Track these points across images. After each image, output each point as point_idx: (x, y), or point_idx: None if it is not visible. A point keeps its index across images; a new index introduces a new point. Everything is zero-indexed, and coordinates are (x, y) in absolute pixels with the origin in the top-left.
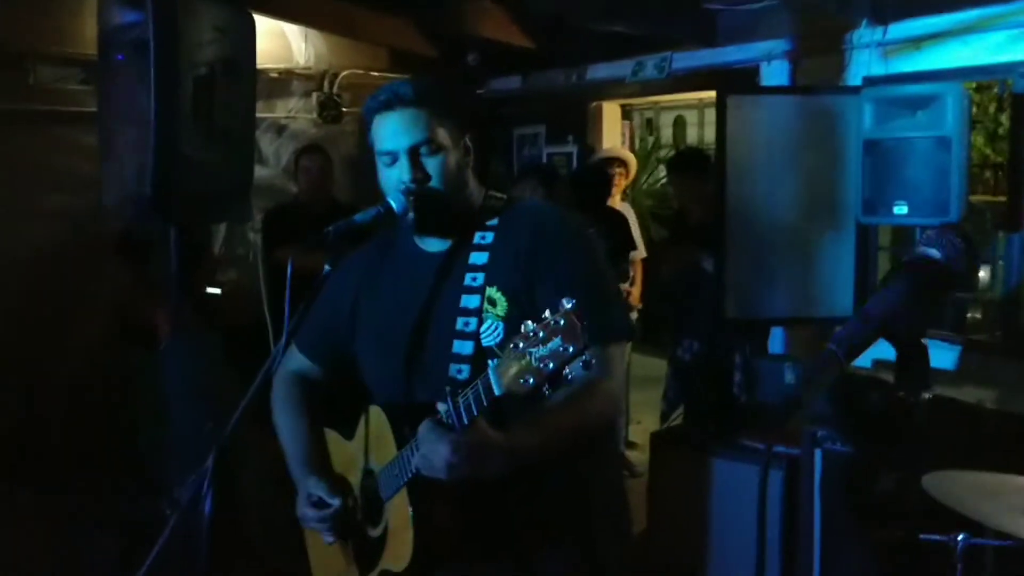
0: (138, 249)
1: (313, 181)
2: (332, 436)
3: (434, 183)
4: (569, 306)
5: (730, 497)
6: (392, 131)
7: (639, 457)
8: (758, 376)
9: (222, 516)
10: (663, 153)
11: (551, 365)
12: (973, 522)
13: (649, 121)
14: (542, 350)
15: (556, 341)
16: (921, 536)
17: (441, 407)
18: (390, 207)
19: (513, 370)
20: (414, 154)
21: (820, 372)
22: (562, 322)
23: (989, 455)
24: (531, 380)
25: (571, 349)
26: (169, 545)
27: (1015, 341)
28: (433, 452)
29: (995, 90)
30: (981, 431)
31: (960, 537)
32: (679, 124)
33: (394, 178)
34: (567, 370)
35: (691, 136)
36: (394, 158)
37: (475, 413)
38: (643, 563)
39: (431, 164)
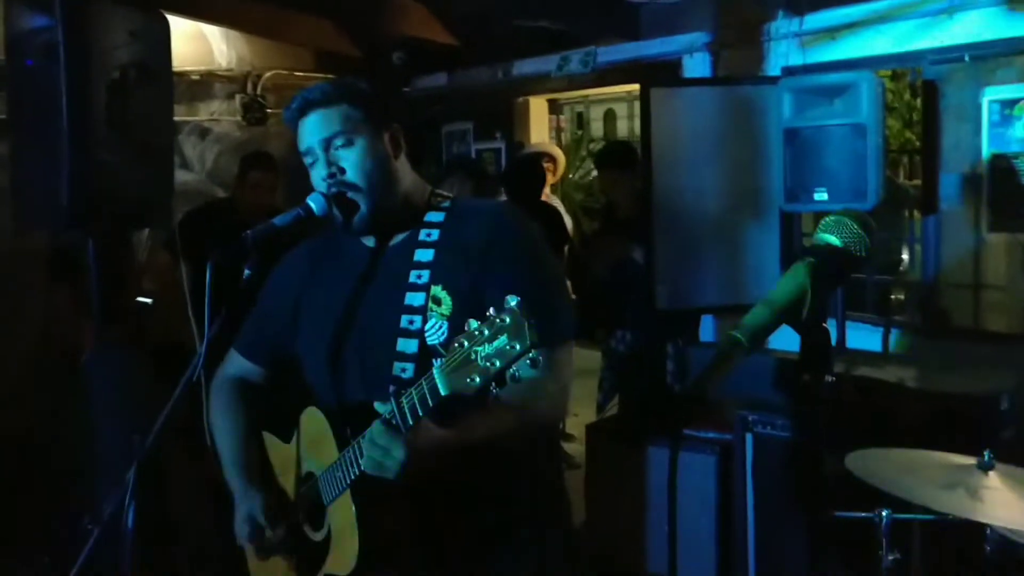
0: (70, 264)
1: (260, 197)
2: (270, 439)
3: (351, 176)
4: (514, 304)
5: (666, 484)
6: (308, 131)
7: (576, 449)
8: (690, 364)
9: (146, 530)
10: (593, 146)
11: (497, 364)
12: (899, 499)
13: (579, 115)
14: (487, 348)
15: (502, 339)
16: (843, 514)
17: (383, 408)
18: (309, 208)
19: (459, 370)
20: (328, 148)
21: (724, 359)
22: (507, 320)
23: (910, 433)
24: (477, 379)
25: (517, 347)
26: (93, 561)
27: (934, 322)
28: (383, 454)
29: (908, 78)
30: (903, 410)
31: (884, 513)
32: (609, 117)
33: (318, 176)
34: (513, 369)
35: (622, 128)
36: (314, 157)
37: (420, 414)
38: (584, 554)
39: (347, 156)
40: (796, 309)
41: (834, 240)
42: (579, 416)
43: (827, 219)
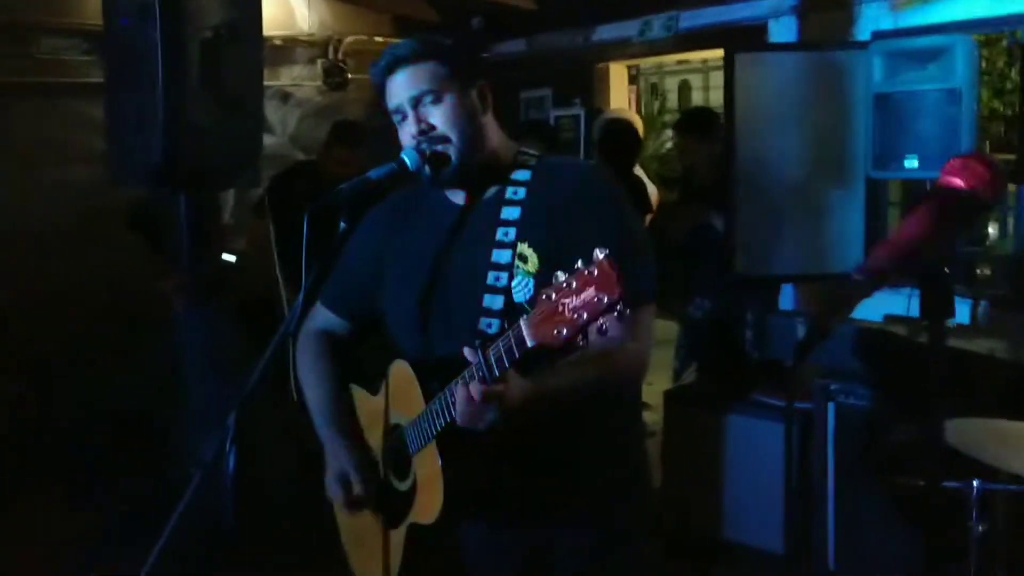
0: (150, 221)
1: (345, 172)
2: (358, 391)
3: (442, 130)
4: (603, 256)
5: (745, 453)
6: (396, 89)
7: (651, 417)
8: (769, 332)
9: (245, 474)
10: (668, 117)
11: (585, 315)
12: (985, 470)
13: (654, 86)
14: (575, 300)
15: (590, 291)
16: (935, 483)
17: (472, 358)
18: (404, 163)
19: (546, 321)
20: (417, 105)
21: (847, 299)
22: (596, 272)
23: (1001, 405)
24: (564, 331)
25: (605, 299)
26: (194, 503)
27: None
28: (470, 405)
29: (1004, 43)
30: (993, 382)
31: (975, 483)
32: (684, 88)
33: (407, 134)
34: (601, 321)
35: (696, 100)
36: (403, 115)
37: (507, 365)
38: (659, 521)
39: (436, 113)
40: (917, 252)
41: (959, 183)
42: (653, 385)
43: (953, 161)
